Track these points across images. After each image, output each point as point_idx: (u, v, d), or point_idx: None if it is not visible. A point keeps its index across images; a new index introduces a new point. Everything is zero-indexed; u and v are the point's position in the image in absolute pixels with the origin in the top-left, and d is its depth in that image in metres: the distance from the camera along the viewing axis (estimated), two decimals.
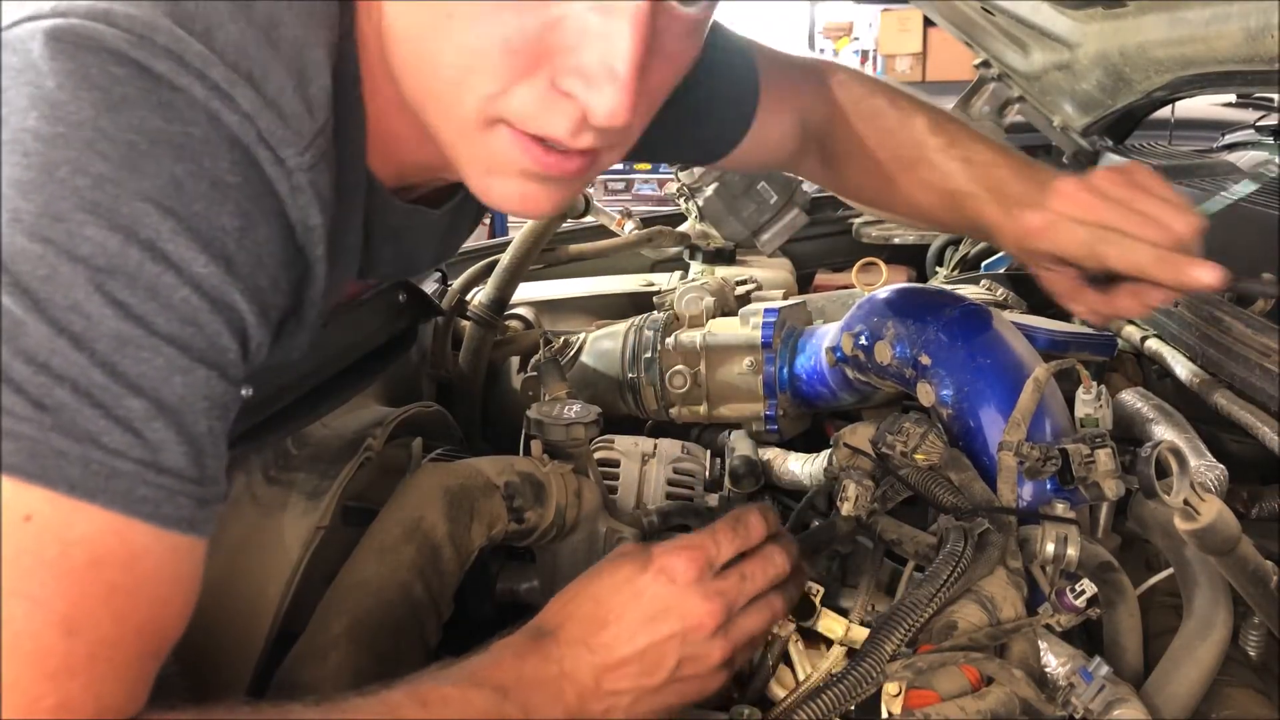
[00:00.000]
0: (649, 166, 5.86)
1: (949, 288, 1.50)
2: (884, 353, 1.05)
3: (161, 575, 0.54)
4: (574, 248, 1.86)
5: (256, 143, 0.55)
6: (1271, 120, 2.59)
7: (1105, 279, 0.87)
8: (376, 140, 0.68)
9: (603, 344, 1.48)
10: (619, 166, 5.36)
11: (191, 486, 0.54)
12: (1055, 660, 0.77)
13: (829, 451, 1.10)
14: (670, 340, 1.40)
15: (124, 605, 0.52)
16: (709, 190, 1.88)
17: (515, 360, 1.64)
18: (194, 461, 0.54)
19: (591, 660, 0.73)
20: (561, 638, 0.74)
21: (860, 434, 1.01)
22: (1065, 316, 1.53)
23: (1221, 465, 0.96)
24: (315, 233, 0.61)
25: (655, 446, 1.25)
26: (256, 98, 0.55)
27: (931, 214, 1.02)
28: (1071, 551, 0.81)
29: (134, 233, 0.51)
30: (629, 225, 1.96)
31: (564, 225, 1.90)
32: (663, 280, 1.88)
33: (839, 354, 1.15)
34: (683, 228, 2.00)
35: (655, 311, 1.53)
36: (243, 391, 0.59)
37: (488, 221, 4.65)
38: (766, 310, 1.34)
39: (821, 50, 8.30)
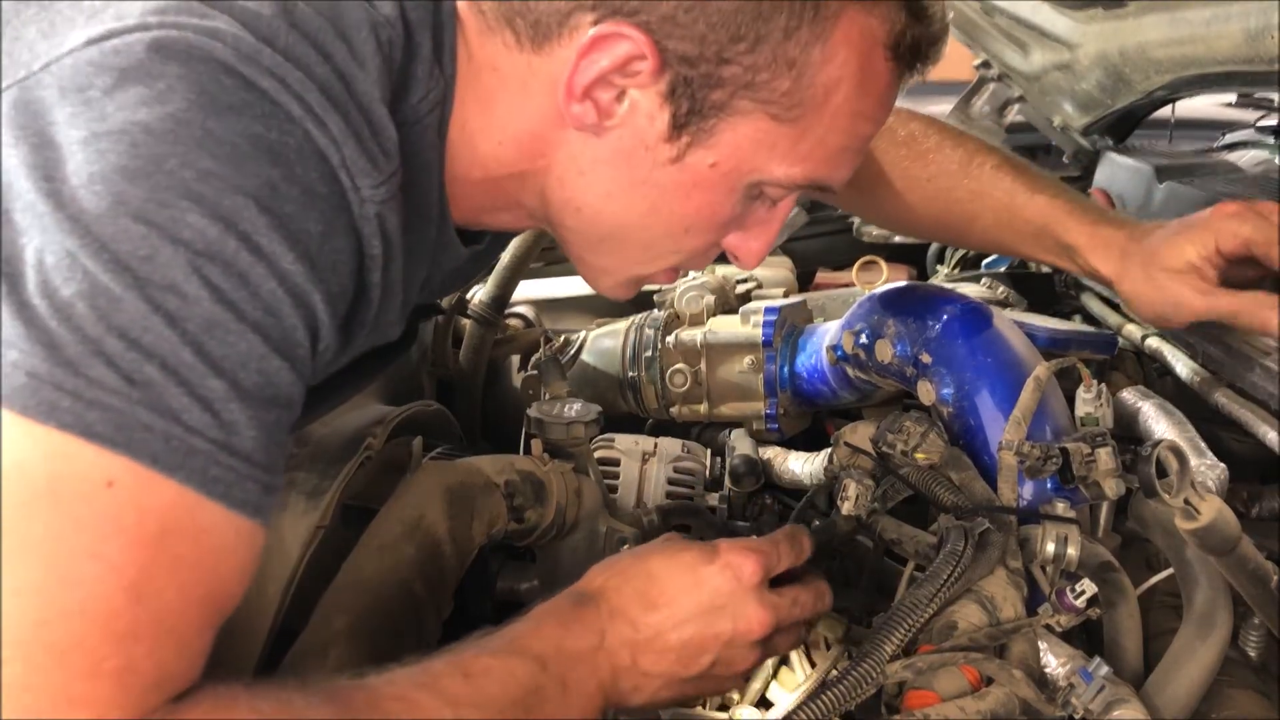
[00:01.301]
0: None
1: (950, 286, 1.50)
2: (884, 351, 1.05)
3: (224, 553, 0.56)
4: None
5: (339, 166, 0.60)
6: (1271, 120, 2.59)
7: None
8: (450, 201, 0.75)
9: (603, 342, 1.48)
10: None
11: (259, 472, 0.56)
12: (1055, 660, 0.77)
13: (829, 450, 1.10)
14: (671, 339, 1.40)
15: (188, 578, 0.54)
16: None
17: (515, 359, 1.64)
18: (262, 447, 0.56)
19: (634, 638, 0.74)
20: (605, 608, 0.75)
21: (861, 433, 1.01)
22: (1066, 315, 1.53)
23: (1222, 464, 0.96)
24: (374, 261, 0.65)
25: (656, 445, 1.26)
26: (345, 127, 0.60)
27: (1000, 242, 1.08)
28: (1072, 551, 0.81)
29: (233, 224, 0.54)
30: None
31: None
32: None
33: (839, 352, 1.15)
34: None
35: (656, 310, 1.53)
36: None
37: None
38: (767, 309, 1.34)
39: None
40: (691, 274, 1.83)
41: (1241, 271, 0.92)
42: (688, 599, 0.75)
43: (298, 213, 0.57)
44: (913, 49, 0.72)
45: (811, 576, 0.85)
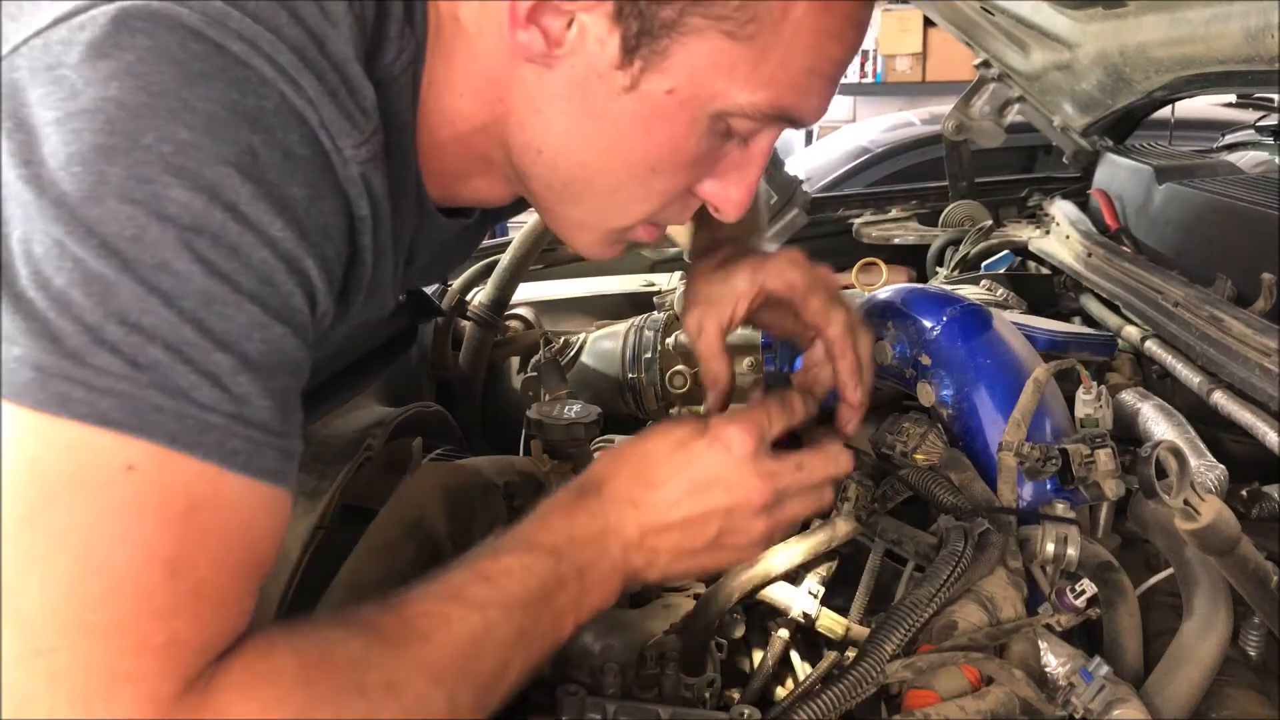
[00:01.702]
0: None
1: (949, 288, 1.50)
2: (884, 353, 1.05)
3: (252, 522, 0.57)
4: None
5: (319, 127, 0.59)
6: (1271, 120, 2.59)
7: None
8: (424, 166, 0.73)
9: (603, 344, 1.48)
10: None
11: (276, 439, 0.57)
12: (1055, 660, 0.77)
13: None
14: (670, 340, 1.41)
15: (219, 549, 0.55)
16: None
17: (515, 360, 1.64)
18: (276, 416, 0.57)
19: (636, 516, 0.76)
20: (606, 493, 0.76)
21: (860, 434, 1.01)
22: (1065, 317, 1.53)
23: (1221, 465, 0.97)
24: (364, 223, 0.64)
25: None
26: (320, 87, 0.58)
27: None
28: (1071, 551, 0.81)
29: (217, 195, 0.54)
30: None
31: None
32: (662, 280, 1.88)
33: None
34: (682, 228, 2.00)
35: (655, 311, 1.53)
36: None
37: None
38: None
39: None
40: None
41: (779, 318, 0.96)
42: (680, 476, 0.76)
43: (281, 178, 0.56)
44: None
45: (828, 439, 0.85)
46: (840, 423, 0.90)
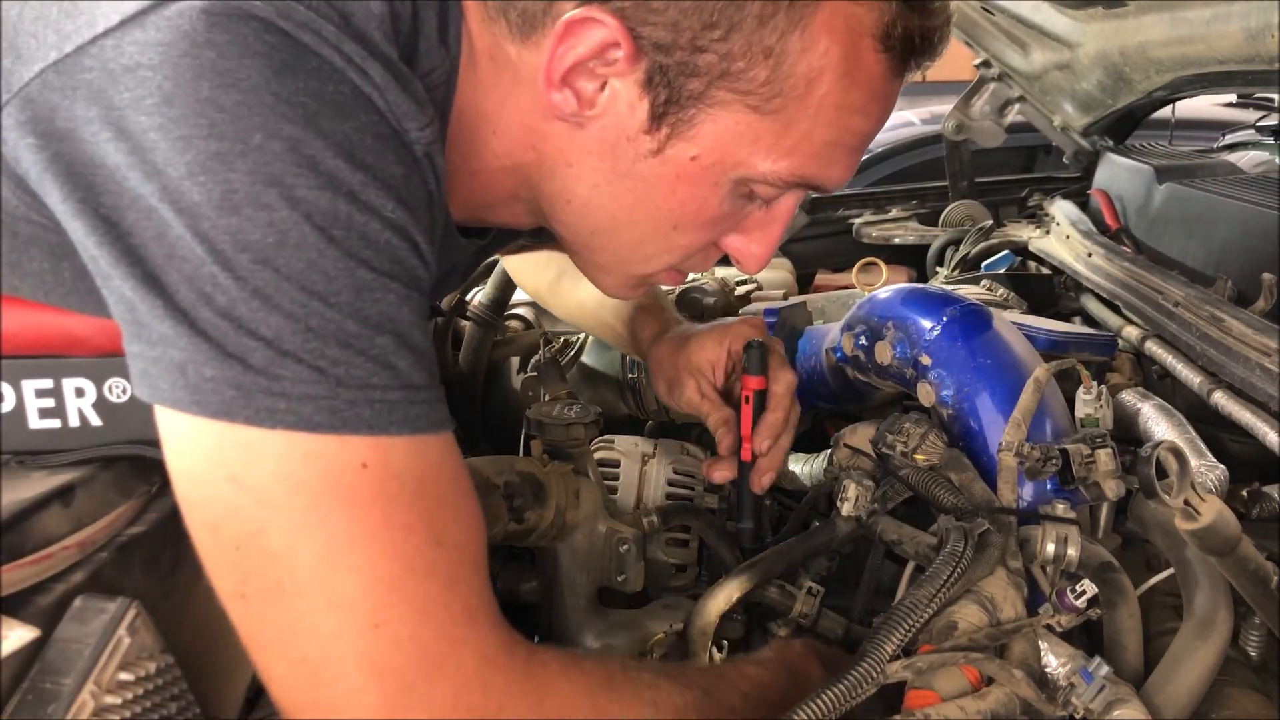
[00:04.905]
0: None
1: (949, 288, 1.50)
2: (884, 353, 1.05)
3: (458, 474, 0.63)
4: None
5: (387, 111, 0.60)
6: (1271, 120, 2.59)
7: None
8: (450, 188, 0.74)
9: (603, 344, 1.48)
10: None
11: (433, 393, 0.61)
12: (1055, 660, 0.76)
13: (829, 452, 1.10)
14: None
15: (455, 510, 0.61)
16: None
17: (515, 360, 1.64)
18: (429, 373, 0.61)
19: None
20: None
21: (860, 434, 1.01)
22: (1065, 317, 1.53)
23: (1222, 465, 0.96)
24: (434, 199, 0.66)
25: (655, 447, 1.25)
26: (385, 73, 0.60)
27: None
28: (1072, 552, 0.81)
29: (338, 185, 0.56)
30: None
31: None
32: None
33: (839, 354, 1.15)
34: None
35: None
36: None
37: None
38: (766, 310, 1.34)
39: None
40: (691, 275, 1.83)
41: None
42: None
43: (379, 160, 0.58)
44: (905, 40, 0.69)
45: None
46: (755, 474, 1.01)
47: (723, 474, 1.03)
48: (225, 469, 0.55)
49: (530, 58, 0.69)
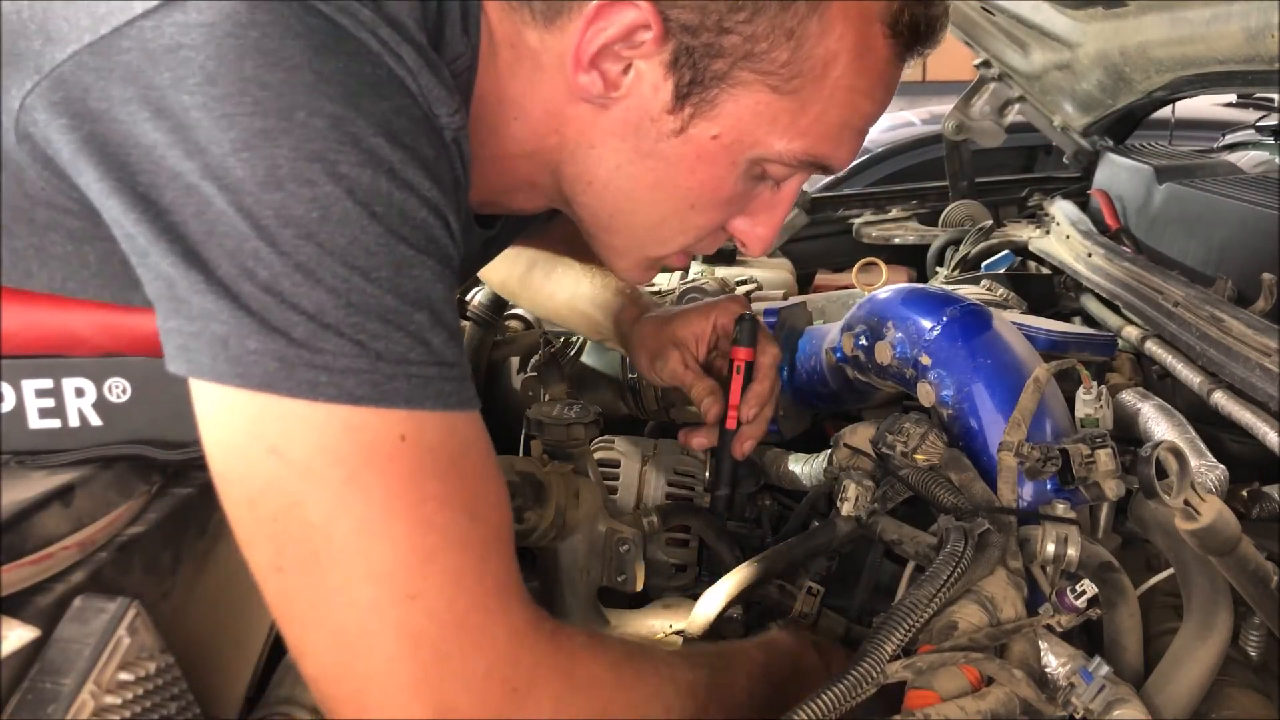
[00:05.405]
0: None
1: (949, 288, 1.50)
2: (884, 353, 1.05)
3: (487, 451, 0.64)
4: None
5: (419, 95, 0.62)
6: (1271, 120, 2.59)
7: None
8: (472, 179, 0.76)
9: (603, 344, 1.47)
10: None
11: (463, 370, 0.62)
12: (1055, 660, 0.76)
13: (829, 452, 1.10)
14: None
15: (485, 485, 0.62)
16: None
17: (515, 360, 1.64)
18: (459, 350, 0.62)
19: None
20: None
21: (860, 434, 1.01)
22: (1065, 317, 1.53)
23: (1222, 465, 0.96)
24: (460, 184, 0.67)
25: (655, 447, 1.25)
26: (418, 58, 0.61)
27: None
28: (1072, 552, 0.81)
29: (379, 163, 0.57)
30: None
31: None
32: (663, 280, 1.87)
33: (839, 354, 1.15)
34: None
35: None
36: None
37: None
38: (766, 310, 1.33)
39: None
40: (691, 275, 1.84)
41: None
42: None
43: (415, 141, 0.59)
44: (911, 27, 0.73)
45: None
46: (738, 441, 1.05)
47: (701, 441, 1.07)
48: (266, 441, 0.56)
49: (554, 43, 0.70)
